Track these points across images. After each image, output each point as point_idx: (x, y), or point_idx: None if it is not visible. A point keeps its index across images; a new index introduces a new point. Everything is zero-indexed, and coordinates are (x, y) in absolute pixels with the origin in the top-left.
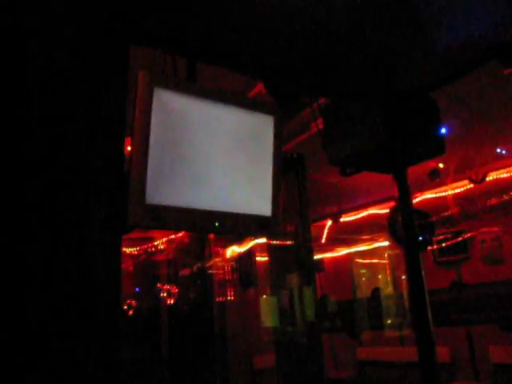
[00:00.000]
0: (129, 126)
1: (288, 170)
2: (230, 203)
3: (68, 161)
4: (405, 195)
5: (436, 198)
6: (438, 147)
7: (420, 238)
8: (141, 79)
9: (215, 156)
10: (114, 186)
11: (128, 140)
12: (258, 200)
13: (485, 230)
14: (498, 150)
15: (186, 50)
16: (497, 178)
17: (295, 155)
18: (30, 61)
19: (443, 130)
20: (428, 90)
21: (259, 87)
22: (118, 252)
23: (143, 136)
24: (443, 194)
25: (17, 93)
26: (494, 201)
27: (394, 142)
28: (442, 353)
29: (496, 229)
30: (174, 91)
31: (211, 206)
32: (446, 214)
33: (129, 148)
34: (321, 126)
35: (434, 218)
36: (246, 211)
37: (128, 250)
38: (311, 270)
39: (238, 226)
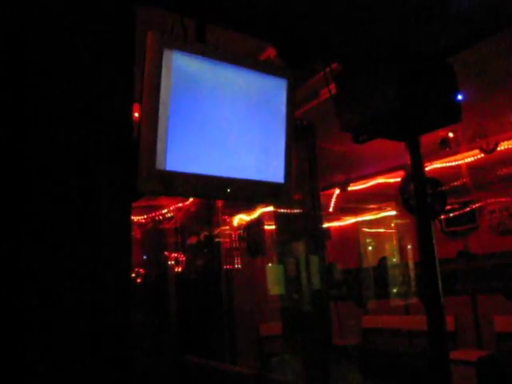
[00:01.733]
0: (138, 91)
1: (298, 138)
2: (241, 169)
3: (75, 127)
4: (417, 163)
5: (445, 167)
6: (454, 114)
7: (431, 207)
8: (150, 41)
9: (227, 121)
10: (123, 153)
11: (137, 106)
12: (270, 166)
13: (494, 200)
14: None
15: (195, 11)
16: (508, 148)
17: (305, 123)
18: (34, 23)
19: (460, 97)
20: (444, 54)
21: (269, 52)
22: (128, 219)
23: (153, 100)
24: (453, 163)
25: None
26: (504, 171)
27: (409, 108)
28: (447, 321)
29: (505, 199)
30: (184, 53)
31: (223, 172)
32: (456, 184)
33: (136, 114)
34: (333, 92)
35: (444, 188)
36: (258, 178)
37: (136, 219)
38: (319, 238)
39: (250, 192)
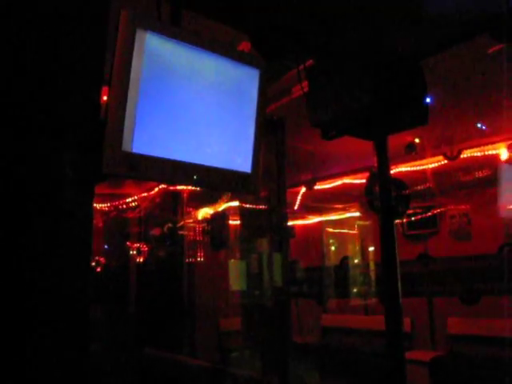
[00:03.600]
0: (108, 73)
1: (267, 132)
2: (209, 157)
3: (39, 105)
4: (383, 164)
5: (409, 171)
6: (422, 116)
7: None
8: (123, 20)
9: (198, 107)
10: (88, 133)
11: (106, 89)
12: (238, 156)
13: (454, 206)
14: (479, 125)
15: None
16: (471, 156)
17: (275, 118)
18: None
19: (428, 100)
20: (416, 57)
21: (243, 46)
22: (91, 201)
23: (122, 80)
24: (417, 168)
25: None
26: (466, 178)
27: (379, 107)
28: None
29: (465, 206)
30: (158, 34)
31: (190, 158)
32: (419, 188)
33: (105, 98)
34: (305, 90)
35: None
36: (225, 166)
37: (98, 206)
38: (283, 235)
39: (217, 180)
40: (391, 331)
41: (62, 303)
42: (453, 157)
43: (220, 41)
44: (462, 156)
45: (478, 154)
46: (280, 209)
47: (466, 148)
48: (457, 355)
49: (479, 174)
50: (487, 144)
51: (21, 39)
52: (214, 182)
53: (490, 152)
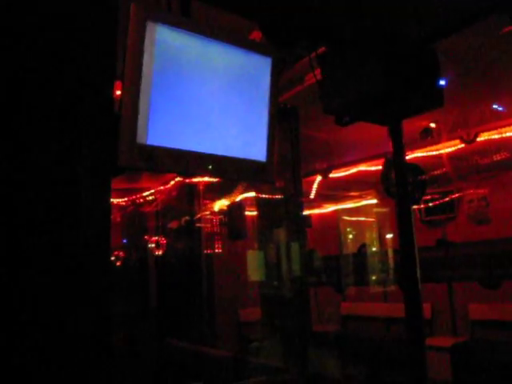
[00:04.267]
0: (120, 67)
1: (281, 121)
2: (224, 146)
3: (54, 103)
4: (399, 149)
5: (425, 157)
6: (436, 99)
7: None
8: (133, 13)
9: (211, 97)
10: (103, 127)
11: (119, 83)
12: (252, 145)
13: (472, 190)
14: (495, 107)
15: None
16: (488, 139)
17: (288, 106)
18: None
19: (442, 82)
20: (429, 40)
21: (255, 35)
22: (108, 195)
23: (135, 73)
24: (433, 153)
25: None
26: (483, 161)
27: (393, 91)
28: (423, 308)
29: (483, 190)
30: (168, 26)
31: (204, 149)
32: (435, 173)
33: (118, 92)
34: (318, 77)
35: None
36: (240, 155)
37: (116, 201)
38: (300, 225)
39: (232, 170)
40: (411, 317)
41: (83, 298)
42: (469, 140)
43: (231, 30)
44: (478, 139)
45: (496, 136)
46: (296, 198)
47: (483, 131)
48: (479, 341)
49: (497, 157)
50: (504, 126)
51: (33, 37)
52: (230, 171)
53: (508, 134)
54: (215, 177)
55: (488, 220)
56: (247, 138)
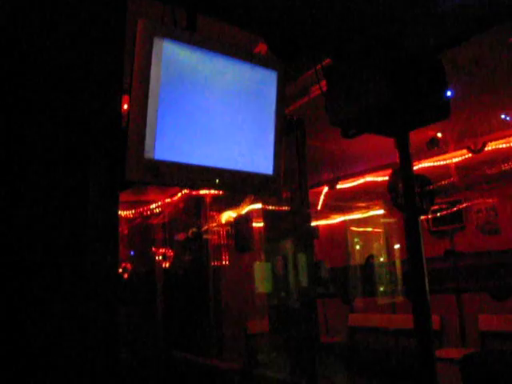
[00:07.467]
0: (127, 81)
1: (287, 132)
2: (230, 160)
3: (62, 117)
4: (406, 161)
5: (433, 167)
6: (443, 111)
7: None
8: (140, 29)
9: (217, 111)
10: (111, 142)
11: (126, 98)
12: (259, 158)
13: (480, 200)
14: (503, 117)
15: (185, 0)
16: (495, 148)
17: (295, 118)
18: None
19: (449, 93)
20: (435, 51)
21: (260, 48)
22: (116, 209)
23: (142, 88)
24: (441, 163)
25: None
26: (491, 171)
27: (399, 103)
28: (432, 320)
29: (492, 200)
30: (175, 41)
31: (211, 163)
32: (443, 183)
33: (125, 107)
34: (323, 89)
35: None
36: (247, 169)
37: (123, 213)
38: (307, 236)
39: (239, 183)
40: (420, 329)
41: (91, 310)
42: (477, 150)
43: (236, 44)
44: (486, 149)
45: (504, 145)
46: (303, 209)
47: (491, 140)
48: (488, 352)
49: (505, 167)
50: None
51: (41, 53)
52: (236, 184)
53: None
54: (222, 190)
55: (497, 230)
56: (254, 152)
